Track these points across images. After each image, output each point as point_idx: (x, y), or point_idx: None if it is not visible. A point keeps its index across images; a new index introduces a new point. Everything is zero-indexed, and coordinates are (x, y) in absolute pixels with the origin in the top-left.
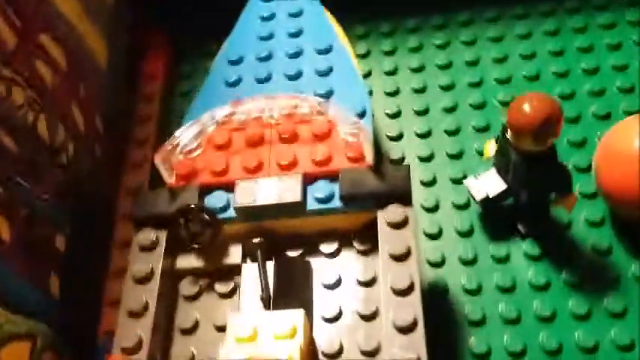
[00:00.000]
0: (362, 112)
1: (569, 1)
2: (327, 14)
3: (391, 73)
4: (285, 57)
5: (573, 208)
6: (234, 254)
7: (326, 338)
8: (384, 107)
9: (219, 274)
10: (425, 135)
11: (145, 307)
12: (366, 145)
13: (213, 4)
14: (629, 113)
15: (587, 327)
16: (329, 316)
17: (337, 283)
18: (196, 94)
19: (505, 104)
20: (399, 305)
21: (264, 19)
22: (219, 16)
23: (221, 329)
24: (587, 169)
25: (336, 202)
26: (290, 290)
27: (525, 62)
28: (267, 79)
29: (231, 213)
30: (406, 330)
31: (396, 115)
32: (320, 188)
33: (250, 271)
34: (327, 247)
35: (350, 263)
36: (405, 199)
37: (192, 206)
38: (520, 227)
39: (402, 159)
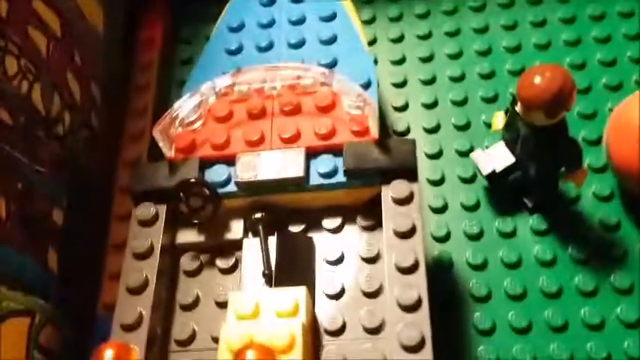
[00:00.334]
0: (367, 83)
1: None
2: None
3: (397, 40)
4: (288, 24)
5: (583, 183)
6: (236, 229)
7: (328, 315)
8: (390, 76)
9: (220, 250)
10: (431, 105)
11: (145, 283)
12: (370, 118)
13: None
14: None
15: (593, 303)
16: (331, 292)
17: (340, 260)
18: (196, 61)
19: (514, 73)
20: (403, 283)
21: None
22: None
23: (222, 305)
24: (597, 142)
25: (340, 177)
26: (292, 266)
27: (535, 30)
28: (269, 47)
29: (232, 187)
30: (410, 309)
31: (401, 85)
32: (323, 162)
33: (252, 246)
34: (330, 223)
35: (353, 239)
36: (411, 174)
37: (193, 180)
38: (527, 201)
39: (408, 130)
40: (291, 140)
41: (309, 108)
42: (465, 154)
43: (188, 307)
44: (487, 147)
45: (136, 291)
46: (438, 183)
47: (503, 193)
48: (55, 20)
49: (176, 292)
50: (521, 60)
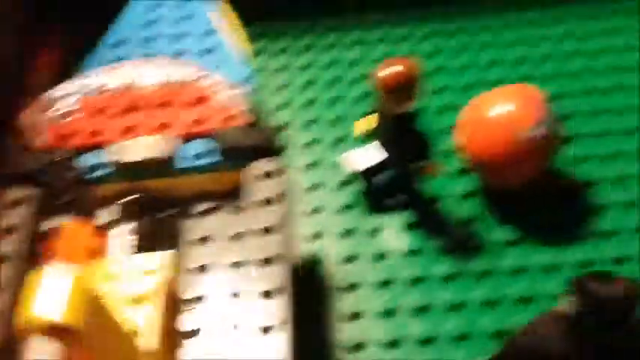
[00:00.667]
0: (242, 80)
1: None
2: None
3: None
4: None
5: (439, 174)
6: (106, 214)
7: (193, 288)
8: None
9: None
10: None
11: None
12: (241, 106)
13: None
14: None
15: (454, 286)
16: (195, 266)
17: (207, 238)
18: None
19: None
20: (264, 249)
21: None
22: None
23: None
24: None
25: (209, 159)
26: (159, 248)
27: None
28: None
29: (103, 172)
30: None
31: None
32: (193, 147)
33: (120, 230)
34: (199, 207)
35: (222, 220)
36: (275, 153)
37: (60, 163)
38: (393, 200)
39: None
40: (163, 128)
41: (182, 101)
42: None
43: None
44: (357, 149)
45: None
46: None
47: (373, 193)
48: None
49: None
50: None
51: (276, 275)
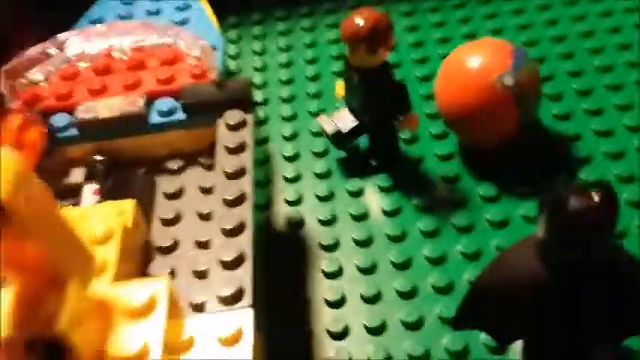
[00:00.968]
0: (213, 46)
1: None
2: None
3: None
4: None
5: (416, 128)
6: (76, 175)
7: (163, 236)
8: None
9: (61, 196)
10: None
11: None
12: (210, 63)
13: None
14: None
15: (435, 242)
16: (168, 218)
17: (179, 193)
18: None
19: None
20: (229, 213)
21: None
22: None
23: None
24: None
25: (179, 116)
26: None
27: None
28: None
29: (73, 132)
30: (232, 233)
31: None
32: (163, 104)
33: (91, 190)
34: (172, 164)
35: (195, 177)
36: (244, 105)
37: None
38: (372, 161)
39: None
40: (132, 87)
41: (153, 63)
42: (319, 134)
43: None
44: (332, 113)
45: None
46: (293, 159)
47: (351, 158)
48: None
49: None
50: None
51: (241, 216)
